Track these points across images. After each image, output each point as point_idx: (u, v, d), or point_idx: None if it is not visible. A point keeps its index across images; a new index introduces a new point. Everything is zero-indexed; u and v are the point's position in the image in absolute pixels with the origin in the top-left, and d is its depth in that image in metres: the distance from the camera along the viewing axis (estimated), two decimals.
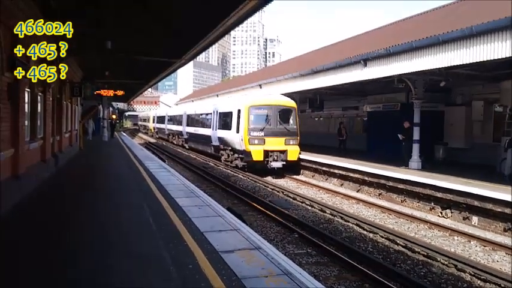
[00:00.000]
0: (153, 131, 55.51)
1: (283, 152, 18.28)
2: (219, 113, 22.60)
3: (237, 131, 19.11)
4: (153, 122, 54.42)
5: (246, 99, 19.70)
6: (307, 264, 7.43)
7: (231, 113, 20.39)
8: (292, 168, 19.16)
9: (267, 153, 18.02)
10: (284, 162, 18.08)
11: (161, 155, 25.88)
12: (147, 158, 18.74)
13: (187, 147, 31.99)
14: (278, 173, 18.63)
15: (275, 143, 18.31)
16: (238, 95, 27.03)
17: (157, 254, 5.26)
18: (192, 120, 29.98)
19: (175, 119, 37.64)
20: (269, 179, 17.97)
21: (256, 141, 18.10)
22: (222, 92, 36.31)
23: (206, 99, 38.51)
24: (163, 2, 9.37)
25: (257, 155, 17.87)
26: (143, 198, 8.98)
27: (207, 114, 25.64)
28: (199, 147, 27.74)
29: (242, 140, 18.48)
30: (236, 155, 19.83)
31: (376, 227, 9.66)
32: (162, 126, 45.89)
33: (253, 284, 4.40)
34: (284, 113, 19.29)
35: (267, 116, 18.85)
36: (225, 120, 21.52)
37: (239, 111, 19.21)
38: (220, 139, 21.83)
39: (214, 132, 23.01)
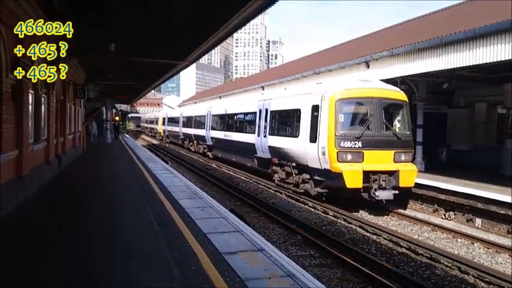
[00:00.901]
0: (162, 134, 48.15)
1: (393, 173, 11.32)
2: (273, 112, 15.84)
3: (313, 139, 12.30)
4: (163, 124, 46.58)
5: (330, 88, 12.25)
6: (310, 266, 7.42)
7: (297, 111, 13.58)
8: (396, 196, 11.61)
9: (367, 175, 11.12)
10: (396, 192, 11.23)
11: (164, 157, 25.92)
12: (150, 160, 18.78)
13: (211, 156, 25.70)
14: (376, 205, 11.90)
15: (380, 159, 11.50)
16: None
17: (160, 255, 5.27)
18: (220, 122, 23.50)
19: (193, 121, 30.18)
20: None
21: (349, 157, 11.28)
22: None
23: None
24: (165, 4, 9.42)
25: (353, 178, 10.95)
26: (146, 200, 9.00)
27: (246, 114, 19.27)
28: (232, 157, 20.95)
29: (324, 153, 11.68)
30: (307, 176, 13.08)
31: (379, 229, 9.63)
32: (175, 129, 38.41)
33: (257, 285, 4.40)
34: (391, 111, 12.45)
35: (367, 115, 11.82)
36: (284, 122, 15.34)
37: (316, 108, 12.34)
38: (275, 150, 15.14)
39: (263, 140, 16.21)
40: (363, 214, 11.80)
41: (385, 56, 17.20)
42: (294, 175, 14.01)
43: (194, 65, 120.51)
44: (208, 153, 26.27)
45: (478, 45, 13.06)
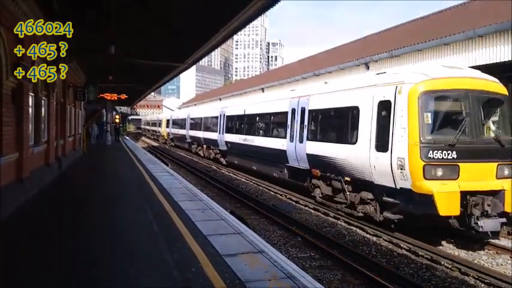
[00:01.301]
0: (166, 137, 45.02)
1: (496, 193, 8.36)
2: (313, 111, 12.69)
3: (382, 147, 9.22)
4: (167, 127, 42.97)
5: (409, 77, 9.01)
6: (310, 267, 7.41)
7: (352, 109, 10.60)
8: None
9: (464, 197, 8.12)
10: (504, 220, 8.23)
11: (164, 159, 25.94)
12: (150, 162, 18.79)
13: (224, 162, 22.65)
14: (463, 233, 8.81)
15: (479, 175, 8.44)
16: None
17: (160, 257, 5.28)
18: (238, 125, 20.31)
19: (203, 123, 27.17)
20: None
21: (439, 172, 8.23)
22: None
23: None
24: (165, 5, 9.45)
25: (448, 202, 7.97)
26: (146, 202, 9.01)
27: (274, 115, 16.06)
28: (253, 166, 17.78)
29: (401, 167, 8.57)
30: (368, 196, 9.98)
31: (379, 231, 9.61)
32: (181, 131, 35.01)
33: (257, 287, 4.41)
34: (489, 108, 9.19)
35: (461, 113, 8.72)
36: (330, 124, 12.44)
37: (385, 104, 9.28)
38: (317, 159, 12.05)
39: (299, 146, 13.15)
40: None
41: (384, 57, 17.29)
42: (346, 193, 10.81)
43: (194, 67, 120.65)
44: (221, 160, 23.04)
45: (478, 46, 13.19)
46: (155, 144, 47.34)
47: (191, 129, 30.54)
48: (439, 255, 7.91)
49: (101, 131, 32.52)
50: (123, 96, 24.31)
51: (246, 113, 19.13)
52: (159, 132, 51.84)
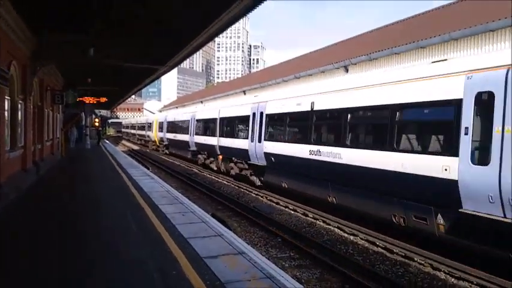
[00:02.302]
0: (158, 143, 38.24)
1: None
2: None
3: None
4: (160, 130, 35.83)
5: None
6: (290, 267, 7.58)
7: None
8: None
9: None
10: None
11: (145, 162, 25.72)
12: (131, 166, 18.63)
13: (258, 183, 15.91)
14: None
15: None
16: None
17: (141, 261, 5.33)
18: (298, 129, 13.33)
19: (218, 126, 19.74)
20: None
21: None
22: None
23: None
24: (146, 7, 9.43)
25: None
26: (127, 206, 8.99)
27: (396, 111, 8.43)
28: (350, 202, 10.15)
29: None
30: None
31: (356, 230, 9.86)
32: (181, 137, 27.71)
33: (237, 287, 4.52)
34: None
35: None
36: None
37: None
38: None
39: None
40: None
41: (363, 60, 17.70)
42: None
43: (176, 69, 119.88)
44: (253, 179, 16.06)
45: (453, 49, 13.76)
46: (135, 148, 46.74)
47: (197, 134, 23.72)
48: (413, 252, 8.20)
49: (80, 135, 32.00)
50: (103, 99, 24.01)
51: (316, 107, 11.46)
52: (148, 136, 44.28)
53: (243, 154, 16.07)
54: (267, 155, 14.05)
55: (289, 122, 13.30)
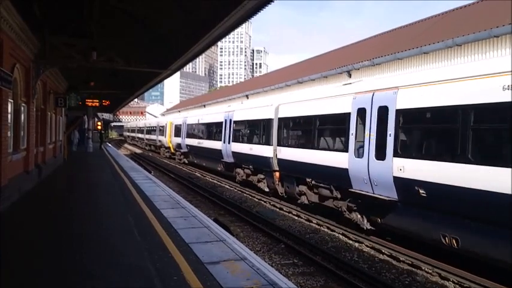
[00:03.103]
0: (173, 150, 31.76)
1: None
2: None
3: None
4: (176, 135, 29.56)
5: None
6: (293, 274, 7.43)
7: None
8: None
9: None
10: None
11: (147, 166, 25.65)
12: (133, 169, 18.55)
13: (366, 226, 9.68)
14: None
15: None
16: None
17: (142, 266, 5.21)
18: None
19: (276, 127, 13.83)
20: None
21: None
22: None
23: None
24: (148, 12, 9.43)
25: None
26: (128, 210, 8.89)
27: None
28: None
29: None
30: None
31: (361, 237, 9.71)
32: (209, 144, 21.23)
33: None
34: None
35: None
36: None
37: None
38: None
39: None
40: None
41: (366, 65, 17.62)
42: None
43: (178, 73, 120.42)
44: (361, 222, 9.74)
45: (456, 55, 13.65)
46: (138, 151, 46.70)
47: (236, 140, 17.29)
48: (420, 260, 8.03)
49: (82, 138, 31.99)
50: (106, 103, 23.98)
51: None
52: (159, 142, 37.50)
53: (331, 175, 10.53)
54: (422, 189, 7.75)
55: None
